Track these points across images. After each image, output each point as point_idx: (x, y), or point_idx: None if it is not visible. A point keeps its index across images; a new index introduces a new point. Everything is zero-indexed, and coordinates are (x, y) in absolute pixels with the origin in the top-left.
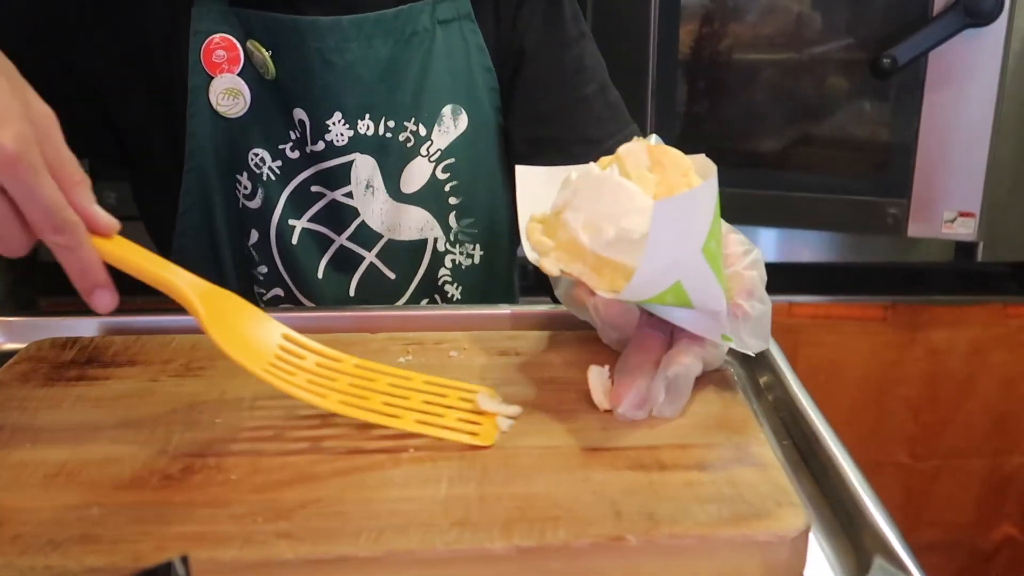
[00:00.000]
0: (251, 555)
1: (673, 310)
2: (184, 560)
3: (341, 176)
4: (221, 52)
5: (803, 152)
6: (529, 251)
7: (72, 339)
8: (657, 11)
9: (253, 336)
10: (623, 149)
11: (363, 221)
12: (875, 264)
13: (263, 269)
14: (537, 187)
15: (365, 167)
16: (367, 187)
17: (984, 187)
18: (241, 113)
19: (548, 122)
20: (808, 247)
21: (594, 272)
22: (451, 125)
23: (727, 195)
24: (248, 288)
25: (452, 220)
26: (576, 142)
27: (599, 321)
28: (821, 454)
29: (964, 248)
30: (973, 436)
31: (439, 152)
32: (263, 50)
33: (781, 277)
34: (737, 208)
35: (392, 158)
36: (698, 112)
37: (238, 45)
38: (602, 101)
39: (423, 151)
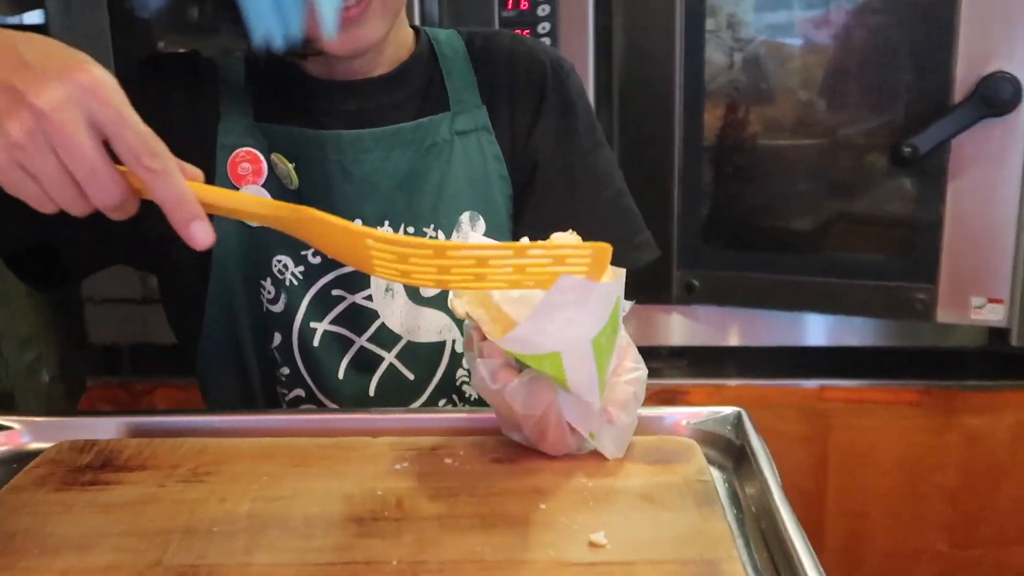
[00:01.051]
0: None
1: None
2: None
3: (361, 280)
4: (246, 165)
5: (830, 237)
6: (450, 295)
7: (91, 442)
8: (682, 96)
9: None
10: (556, 236)
11: (383, 323)
12: (908, 348)
13: (285, 370)
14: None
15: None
16: (387, 290)
17: (1013, 272)
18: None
19: (559, 228)
20: (838, 330)
21: (492, 321)
22: (468, 231)
23: (753, 279)
24: (271, 388)
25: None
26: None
27: (482, 372)
28: (795, 569)
29: (997, 332)
30: (1014, 524)
31: None
32: (287, 162)
33: (811, 360)
34: (764, 291)
35: None
36: (723, 196)
37: (262, 158)
38: (615, 208)
39: None
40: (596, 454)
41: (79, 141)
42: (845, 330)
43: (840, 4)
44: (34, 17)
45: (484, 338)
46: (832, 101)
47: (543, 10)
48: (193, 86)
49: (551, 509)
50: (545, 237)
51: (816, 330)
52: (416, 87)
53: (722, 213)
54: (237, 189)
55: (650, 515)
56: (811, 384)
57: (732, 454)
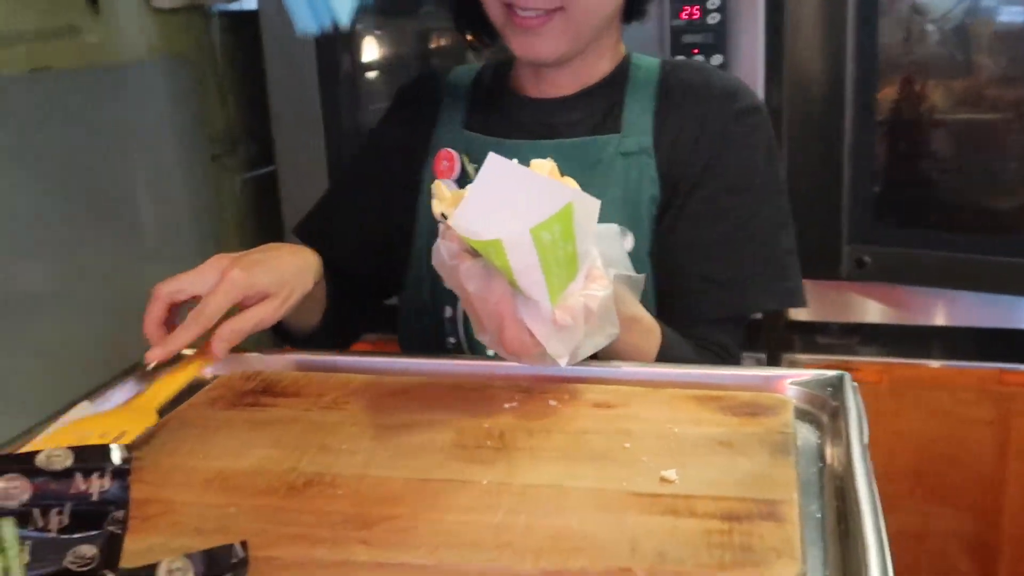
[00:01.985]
0: (334, 555)
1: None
2: (244, 544)
3: None
4: (445, 163)
5: (1011, 215)
6: (432, 200)
7: (257, 372)
8: (854, 70)
9: None
10: (535, 161)
11: None
12: None
13: (451, 340)
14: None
15: None
16: None
17: None
18: None
19: (697, 253)
20: (1018, 312)
21: (452, 207)
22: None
23: (928, 257)
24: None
25: None
26: (729, 283)
27: (442, 252)
28: (852, 524)
29: None
30: None
31: None
32: (469, 164)
33: (990, 341)
34: (939, 269)
35: None
36: (897, 172)
37: (457, 158)
38: (761, 247)
39: None
40: (687, 404)
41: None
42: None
43: None
44: (250, 3)
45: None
46: (1015, 73)
47: (712, 18)
48: (425, 100)
49: (634, 449)
50: (682, 261)
51: (996, 311)
52: (596, 109)
53: (896, 189)
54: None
55: (724, 459)
56: (990, 366)
57: (828, 413)
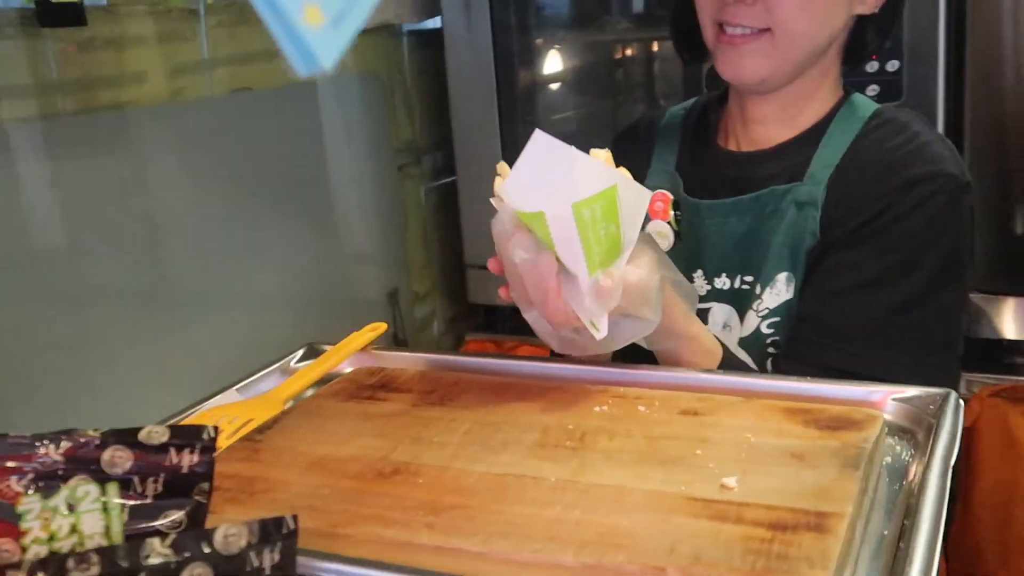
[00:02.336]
0: (401, 536)
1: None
2: (294, 517)
3: (703, 318)
4: (659, 204)
5: None
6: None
7: (379, 368)
8: None
9: None
10: (593, 150)
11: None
12: None
13: None
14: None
15: (721, 313)
16: (724, 327)
17: None
18: (668, 248)
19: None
20: None
21: None
22: (783, 290)
23: None
24: None
25: (768, 365)
26: (839, 334)
27: (503, 219)
28: (906, 543)
29: None
30: None
31: (767, 310)
32: (672, 210)
33: None
34: None
35: (741, 306)
36: None
37: (670, 200)
38: (905, 317)
39: (754, 306)
40: (774, 415)
41: None
42: None
43: None
44: (435, 22)
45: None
46: None
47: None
48: (639, 146)
49: (704, 456)
50: (802, 306)
51: None
52: (792, 161)
53: None
54: (650, 220)
55: (791, 470)
56: None
57: (924, 430)
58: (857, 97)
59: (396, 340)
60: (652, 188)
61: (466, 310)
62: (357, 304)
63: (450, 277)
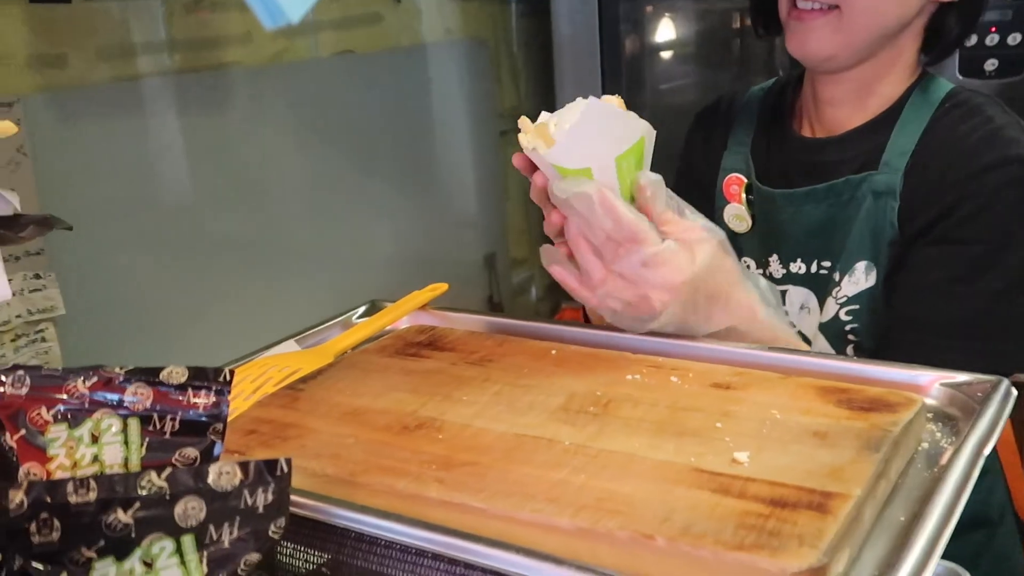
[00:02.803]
0: (411, 488)
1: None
2: (288, 460)
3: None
4: (735, 187)
5: None
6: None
7: (430, 327)
8: None
9: None
10: (605, 96)
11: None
12: None
13: None
14: (588, 114)
15: (798, 295)
16: (801, 308)
17: None
18: (745, 231)
19: (919, 307)
20: None
21: (539, 138)
22: (862, 278)
23: None
24: None
25: (849, 350)
26: (928, 328)
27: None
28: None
29: None
30: None
31: (846, 298)
32: (745, 195)
33: None
34: None
35: (819, 291)
36: None
37: (743, 183)
38: (979, 302)
39: (833, 293)
40: (807, 393)
41: None
42: None
43: None
44: None
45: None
46: None
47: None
48: (718, 125)
49: (723, 430)
50: (894, 302)
51: None
52: (865, 147)
53: None
54: (727, 204)
55: (808, 449)
56: None
57: (967, 417)
58: (932, 80)
59: (491, 303)
60: (728, 169)
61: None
62: (454, 265)
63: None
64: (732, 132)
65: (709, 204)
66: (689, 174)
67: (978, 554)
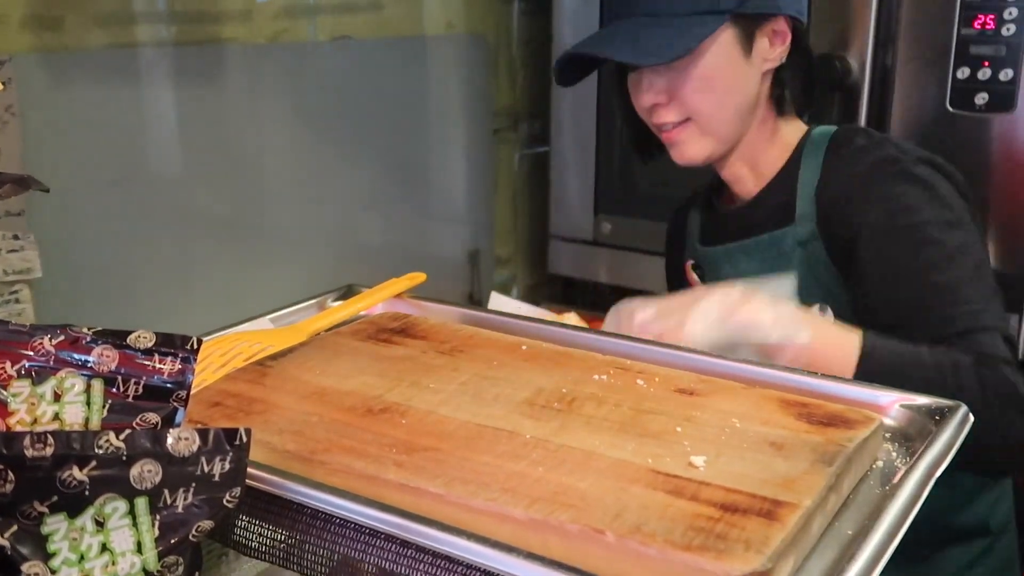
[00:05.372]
0: (370, 470)
1: None
2: (248, 431)
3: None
4: (693, 274)
5: None
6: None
7: (404, 315)
8: None
9: None
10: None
11: None
12: None
13: None
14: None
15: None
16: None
17: None
18: None
19: (879, 313)
20: None
21: None
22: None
23: None
24: None
25: None
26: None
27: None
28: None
29: None
30: None
31: None
32: (694, 271)
33: None
34: None
35: None
36: None
37: (692, 261)
38: (925, 284)
39: None
40: (768, 405)
41: None
42: None
43: None
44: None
45: None
46: None
47: (1007, 29)
48: (681, 225)
49: (683, 434)
50: (872, 318)
51: None
52: (772, 206)
53: None
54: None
55: (763, 458)
56: None
57: (922, 440)
58: (816, 130)
59: (471, 299)
60: (687, 258)
61: (545, 280)
62: (437, 259)
63: (533, 245)
64: (688, 229)
65: (684, 281)
66: (671, 266)
67: (973, 563)
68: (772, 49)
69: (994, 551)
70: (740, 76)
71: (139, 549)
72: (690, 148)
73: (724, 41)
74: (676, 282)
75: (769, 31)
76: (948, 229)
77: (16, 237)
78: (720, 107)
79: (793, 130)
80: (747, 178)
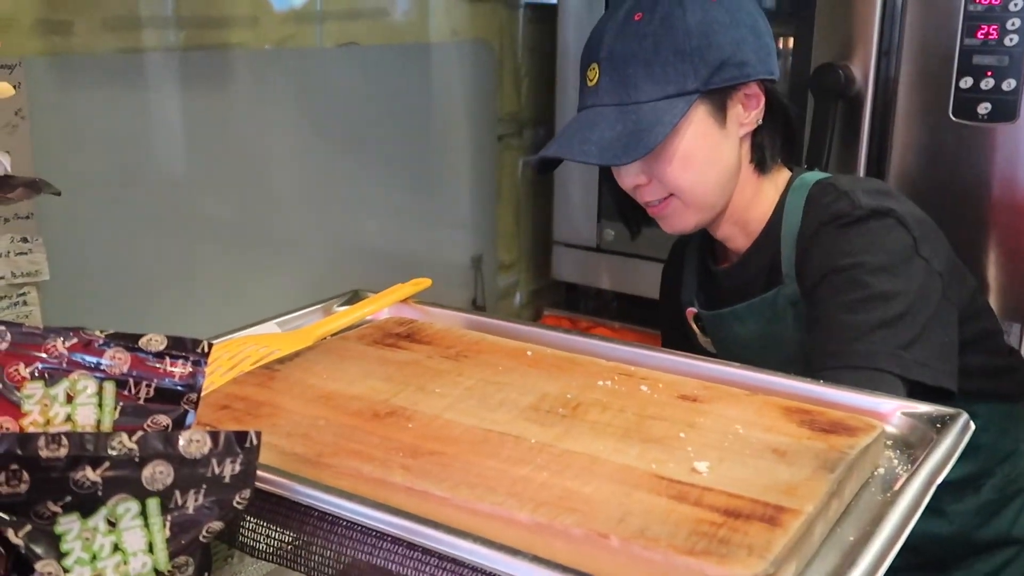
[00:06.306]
0: (376, 473)
1: None
2: (258, 434)
3: None
4: (689, 318)
5: None
6: None
7: (409, 320)
8: None
9: None
10: None
11: None
12: None
13: None
14: None
15: None
16: None
17: None
18: (712, 349)
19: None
20: None
21: None
22: None
23: None
24: None
25: None
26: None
27: None
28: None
29: None
30: None
31: None
32: (695, 323)
33: None
34: None
35: None
36: None
37: (694, 311)
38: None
39: None
40: (771, 411)
41: None
42: None
43: None
44: None
45: None
46: None
47: (1015, 4)
48: (678, 268)
49: (687, 440)
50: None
51: None
52: (761, 266)
53: None
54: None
55: (766, 464)
56: None
57: (924, 448)
58: (798, 180)
59: (474, 304)
60: (686, 303)
61: (548, 285)
62: (440, 264)
63: (536, 251)
64: (684, 275)
65: (689, 328)
66: (669, 304)
67: (1001, 570)
68: (747, 113)
69: (1019, 560)
70: (717, 148)
71: (150, 549)
72: (677, 221)
73: (697, 119)
74: (675, 321)
75: (741, 97)
76: (878, 274)
77: (25, 240)
78: (701, 181)
79: (777, 183)
80: (738, 236)
